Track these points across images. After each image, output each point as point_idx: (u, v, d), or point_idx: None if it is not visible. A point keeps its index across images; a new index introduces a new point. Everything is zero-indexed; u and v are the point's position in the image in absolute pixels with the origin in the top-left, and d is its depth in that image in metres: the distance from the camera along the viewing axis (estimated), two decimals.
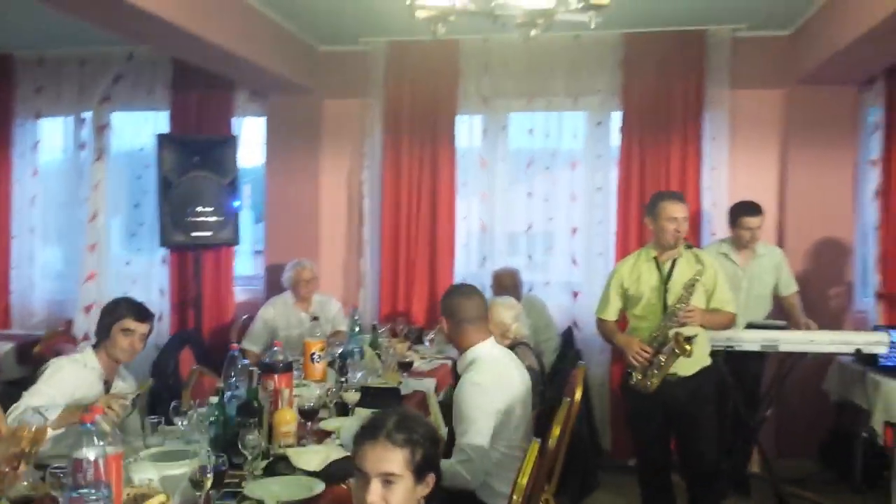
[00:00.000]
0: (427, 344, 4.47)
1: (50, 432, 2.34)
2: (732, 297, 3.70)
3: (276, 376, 2.77)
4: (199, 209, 4.96)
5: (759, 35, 5.01)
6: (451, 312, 2.95)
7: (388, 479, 1.68)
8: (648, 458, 3.77)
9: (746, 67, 5.02)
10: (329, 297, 5.16)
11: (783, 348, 4.20)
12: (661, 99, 4.99)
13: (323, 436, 2.81)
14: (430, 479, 1.73)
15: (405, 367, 3.81)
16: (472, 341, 2.91)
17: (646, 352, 3.53)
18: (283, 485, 2.25)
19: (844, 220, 5.01)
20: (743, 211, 4.45)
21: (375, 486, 1.67)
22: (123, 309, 3.02)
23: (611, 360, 5.03)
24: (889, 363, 4.26)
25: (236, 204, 5.07)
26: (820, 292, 4.98)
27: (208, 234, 5.01)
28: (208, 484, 2.00)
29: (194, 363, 4.37)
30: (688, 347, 3.43)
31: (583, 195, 5.15)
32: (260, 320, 4.88)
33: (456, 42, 5.18)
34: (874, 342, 4.15)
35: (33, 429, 2.06)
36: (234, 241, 5.14)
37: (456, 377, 3.01)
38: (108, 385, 3.00)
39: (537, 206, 5.23)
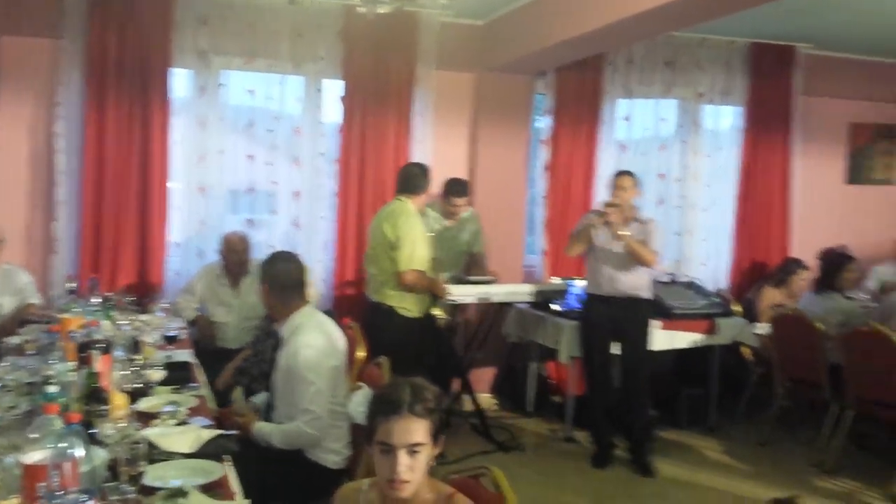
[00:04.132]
0: (162, 314, 4.19)
1: None
2: None
3: (99, 357, 2.48)
4: None
5: (459, 22, 5.58)
6: (272, 279, 2.96)
7: (414, 450, 1.75)
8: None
9: (449, 51, 5.54)
10: (17, 267, 4.54)
11: (495, 299, 4.91)
12: (379, 73, 5.26)
13: (147, 417, 2.60)
14: (441, 439, 1.83)
15: (171, 340, 3.59)
16: (294, 307, 2.97)
17: None
18: (177, 469, 2.10)
19: (519, 190, 5.91)
20: (453, 192, 4.97)
21: (403, 458, 1.73)
22: None
23: None
24: (562, 308, 5.23)
25: None
26: (499, 249, 5.80)
27: None
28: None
29: None
30: None
31: (305, 159, 5.21)
32: None
33: None
34: (557, 290, 5.08)
35: None
36: None
37: (275, 343, 3.03)
38: None
39: (259, 169, 5.16)
